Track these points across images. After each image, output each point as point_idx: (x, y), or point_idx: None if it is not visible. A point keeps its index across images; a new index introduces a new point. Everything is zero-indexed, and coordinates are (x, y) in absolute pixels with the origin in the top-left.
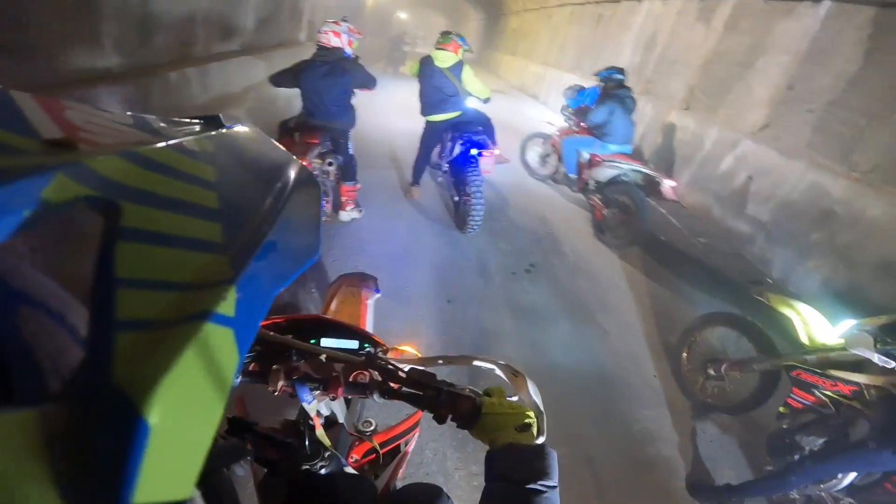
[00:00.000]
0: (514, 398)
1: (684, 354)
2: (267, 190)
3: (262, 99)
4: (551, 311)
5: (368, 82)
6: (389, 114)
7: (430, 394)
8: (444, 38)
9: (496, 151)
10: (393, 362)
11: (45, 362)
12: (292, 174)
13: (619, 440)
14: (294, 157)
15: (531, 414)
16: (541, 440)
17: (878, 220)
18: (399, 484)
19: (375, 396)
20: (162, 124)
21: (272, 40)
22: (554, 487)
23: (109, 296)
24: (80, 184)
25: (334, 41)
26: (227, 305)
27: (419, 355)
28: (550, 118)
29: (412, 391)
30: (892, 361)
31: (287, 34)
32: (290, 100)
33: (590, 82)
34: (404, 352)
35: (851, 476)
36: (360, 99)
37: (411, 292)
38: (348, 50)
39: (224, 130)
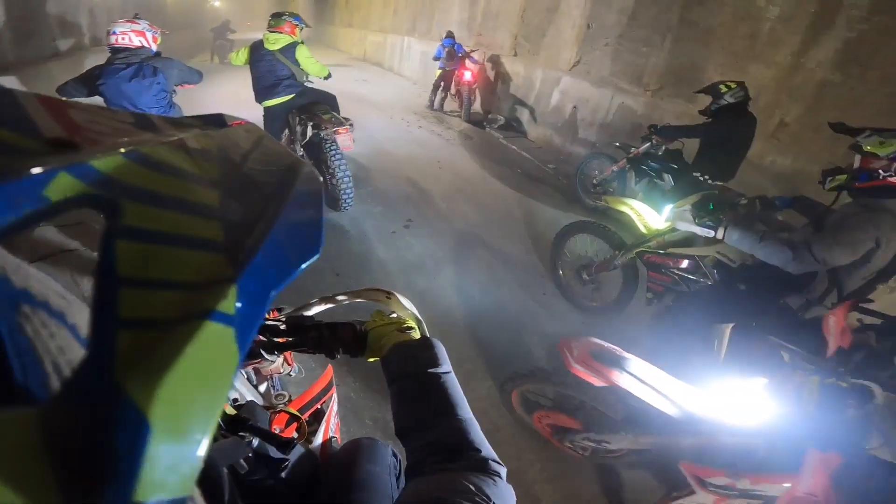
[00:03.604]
0: (393, 315)
1: (560, 271)
2: (269, 188)
3: None
4: (436, 258)
5: (191, 76)
6: (221, 107)
7: (313, 334)
8: (276, 20)
9: (349, 126)
10: (270, 319)
11: (45, 361)
12: (295, 172)
13: (533, 363)
14: (297, 155)
15: (411, 321)
16: None
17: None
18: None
19: (266, 356)
20: (164, 123)
21: (44, 52)
22: (448, 372)
23: (111, 294)
24: (81, 182)
25: (137, 40)
26: (228, 304)
27: (292, 308)
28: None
29: (297, 339)
30: (711, 231)
31: (62, 43)
32: None
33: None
34: (281, 309)
35: (726, 342)
36: (185, 98)
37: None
38: (154, 47)
39: (226, 128)
